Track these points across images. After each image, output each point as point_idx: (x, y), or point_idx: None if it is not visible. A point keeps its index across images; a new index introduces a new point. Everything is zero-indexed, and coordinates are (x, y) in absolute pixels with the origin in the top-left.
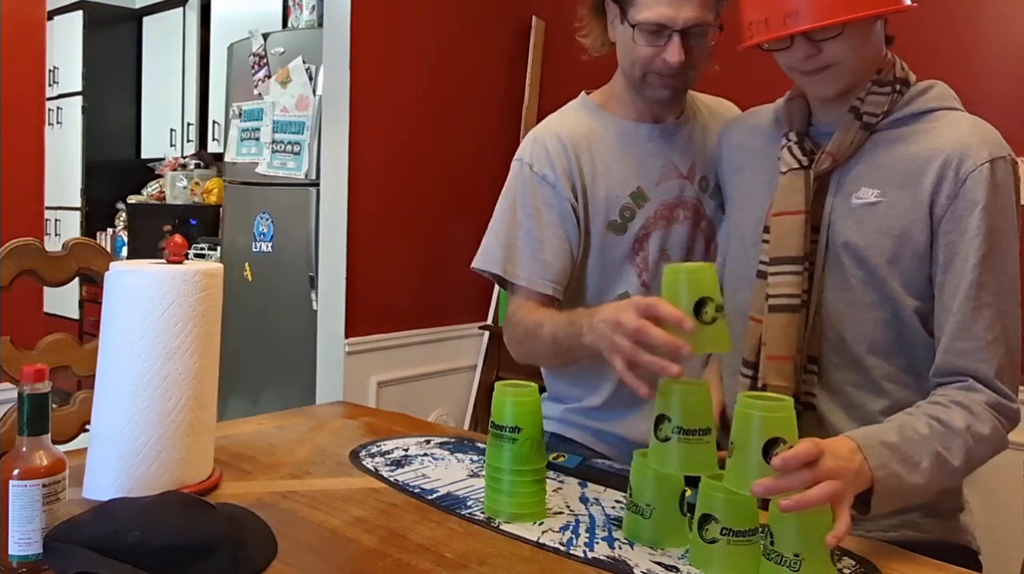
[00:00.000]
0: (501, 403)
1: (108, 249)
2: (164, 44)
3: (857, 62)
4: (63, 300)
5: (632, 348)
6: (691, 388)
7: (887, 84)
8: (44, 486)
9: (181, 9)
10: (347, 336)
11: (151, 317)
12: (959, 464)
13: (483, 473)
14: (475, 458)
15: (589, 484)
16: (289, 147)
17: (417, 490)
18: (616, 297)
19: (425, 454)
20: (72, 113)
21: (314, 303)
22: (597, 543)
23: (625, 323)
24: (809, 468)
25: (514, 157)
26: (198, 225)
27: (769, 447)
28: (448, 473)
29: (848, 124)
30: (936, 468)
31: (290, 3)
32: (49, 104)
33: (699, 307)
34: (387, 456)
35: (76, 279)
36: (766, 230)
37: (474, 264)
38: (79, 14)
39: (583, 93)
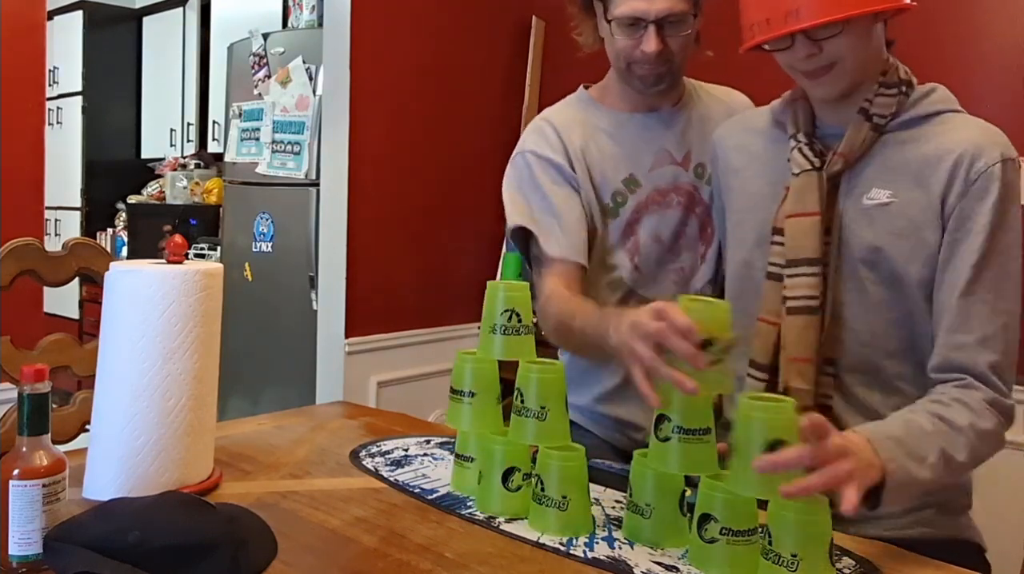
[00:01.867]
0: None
1: (108, 249)
2: (164, 44)
3: (858, 61)
4: (63, 300)
5: (652, 358)
6: None
7: (894, 86)
8: (44, 486)
9: (181, 9)
10: (347, 336)
11: (151, 317)
12: (964, 459)
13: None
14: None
15: (589, 484)
16: (289, 147)
17: (417, 490)
18: (608, 281)
19: (425, 454)
20: (72, 113)
21: (314, 303)
22: (597, 543)
23: (643, 324)
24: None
25: (514, 153)
26: (198, 225)
27: (771, 450)
28: (448, 473)
29: (859, 125)
30: (942, 464)
31: (290, 3)
32: (49, 104)
33: (703, 347)
34: (387, 456)
35: (76, 279)
36: (777, 232)
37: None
38: (79, 14)
39: (581, 87)
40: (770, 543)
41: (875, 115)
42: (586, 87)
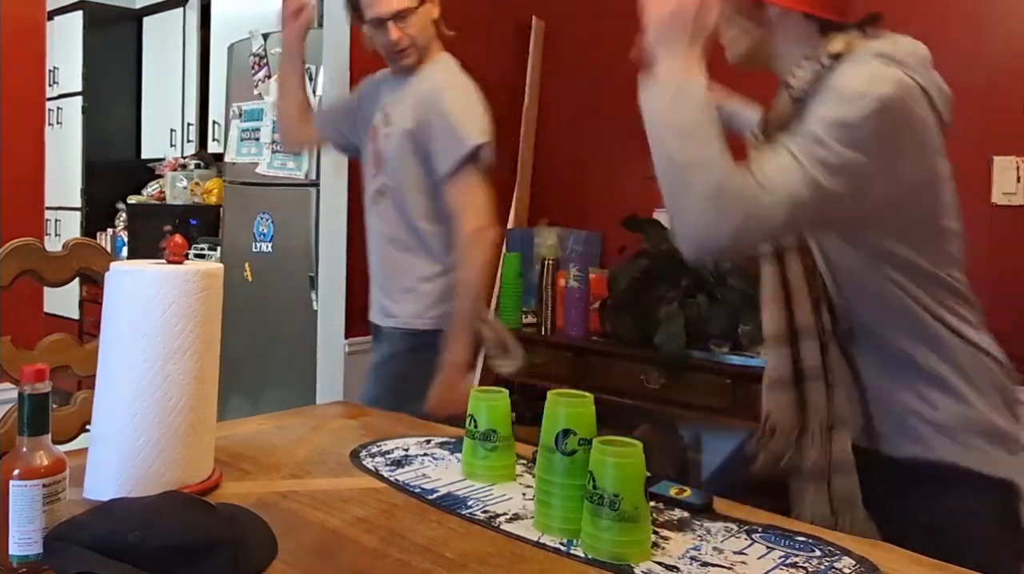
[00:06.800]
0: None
1: (108, 249)
2: (164, 44)
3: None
4: (63, 300)
5: None
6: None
7: (815, 59)
8: (44, 486)
9: (181, 9)
10: (347, 336)
11: (151, 317)
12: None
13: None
14: None
15: None
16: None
17: (417, 490)
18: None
19: (425, 454)
20: (72, 113)
21: (314, 303)
22: None
23: None
24: None
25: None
26: (198, 225)
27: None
28: (448, 473)
29: (780, 93)
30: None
31: None
32: (49, 104)
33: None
34: (387, 456)
35: (76, 279)
36: None
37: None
38: (79, 14)
39: None
40: (594, 487)
41: (789, 84)
42: None
